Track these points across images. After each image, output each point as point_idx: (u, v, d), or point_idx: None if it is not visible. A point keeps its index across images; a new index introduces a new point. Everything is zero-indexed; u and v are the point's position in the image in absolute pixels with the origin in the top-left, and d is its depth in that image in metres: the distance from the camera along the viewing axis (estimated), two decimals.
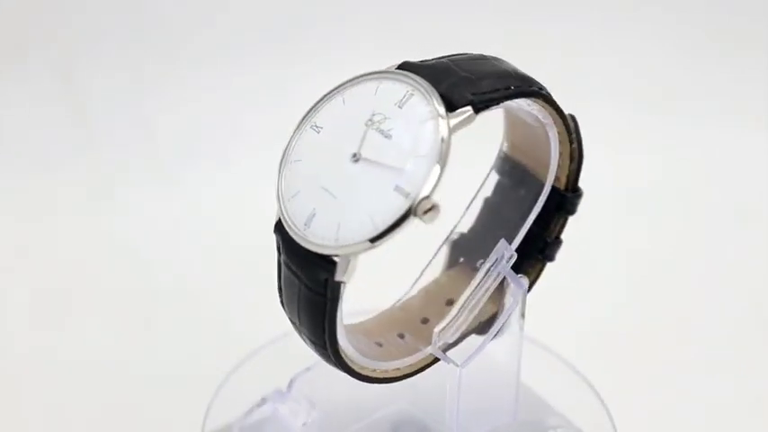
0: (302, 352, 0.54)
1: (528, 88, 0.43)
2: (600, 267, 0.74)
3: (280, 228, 0.43)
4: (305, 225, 0.41)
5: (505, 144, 0.50)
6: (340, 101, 0.43)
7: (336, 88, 0.43)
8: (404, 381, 0.50)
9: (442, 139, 0.40)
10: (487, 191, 0.50)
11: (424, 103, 0.41)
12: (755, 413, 0.65)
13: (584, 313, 0.70)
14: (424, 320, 0.50)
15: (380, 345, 0.49)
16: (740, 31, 0.91)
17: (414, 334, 0.49)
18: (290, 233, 0.42)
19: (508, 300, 0.48)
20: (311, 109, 0.43)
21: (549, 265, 0.52)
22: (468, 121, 0.41)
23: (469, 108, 0.41)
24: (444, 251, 0.51)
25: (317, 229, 0.41)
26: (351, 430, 0.54)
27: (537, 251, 0.50)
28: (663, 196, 0.80)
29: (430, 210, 0.39)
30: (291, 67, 0.87)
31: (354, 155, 0.41)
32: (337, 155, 0.42)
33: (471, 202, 0.50)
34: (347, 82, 0.43)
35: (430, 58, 0.44)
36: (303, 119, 0.43)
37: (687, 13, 0.91)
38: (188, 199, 0.79)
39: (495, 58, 0.45)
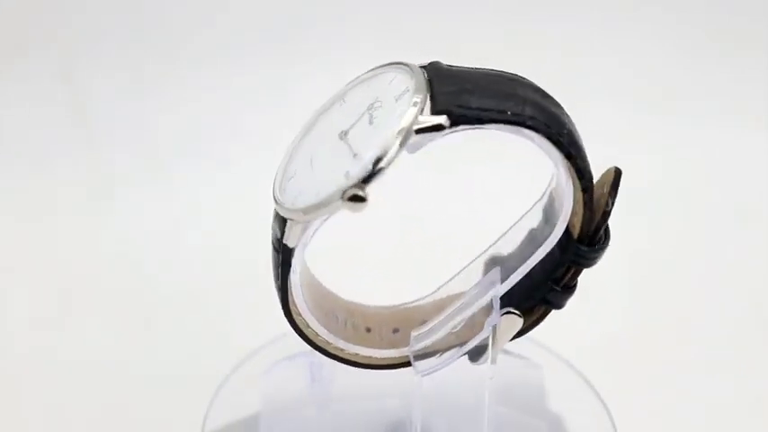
0: (299, 354, 0.54)
1: (523, 120, 0.42)
2: (600, 267, 0.74)
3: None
4: (281, 186, 0.43)
5: (554, 179, 0.49)
6: (367, 83, 0.44)
7: (378, 68, 0.44)
8: (403, 381, 0.50)
9: (397, 135, 0.40)
10: (534, 222, 0.49)
11: (410, 102, 0.41)
12: (755, 413, 0.65)
13: (584, 313, 0.70)
14: (423, 323, 0.50)
15: (369, 330, 0.50)
16: (740, 32, 0.91)
17: (406, 331, 0.50)
18: (273, 189, 0.43)
19: (486, 329, 0.48)
20: (354, 81, 0.44)
21: None
22: (437, 128, 0.40)
23: (444, 117, 0.41)
24: (479, 268, 0.51)
25: (287, 192, 0.42)
26: (351, 430, 0.54)
27: (540, 295, 0.49)
28: (663, 196, 0.80)
29: (353, 198, 0.39)
30: (291, 67, 0.87)
31: (343, 132, 0.42)
32: (333, 130, 0.43)
33: (511, 227, 0.50)
34: (387, 65, 0.44)
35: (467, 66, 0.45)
36: (345, 87, 0.44)
37: (687, 13, 0.91)
38: (188, 199, 0.79)
39: (524, 83, 0.45)
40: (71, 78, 0.88)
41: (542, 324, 0.51)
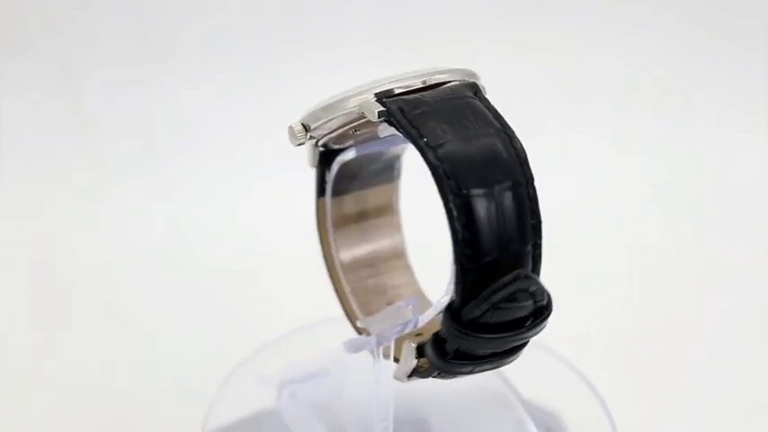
0: (302, 353, 0.54)
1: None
2: (600, 267, 0.74)
3: None
4: None
5: None
6: None
7: None
8: (404, 381, 0.50)
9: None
10: None
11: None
12: (755, 413, 0.65)
13: (584, 313, 0.70)
14: None
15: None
16: (740, 32, 0.91)
17: None
18: None
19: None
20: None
21: (549, 266, 0.52)
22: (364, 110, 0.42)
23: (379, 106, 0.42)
24: None
25: None
26: (350, 429, 0.54)
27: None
28: (663, 196, 0.80)
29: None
30: (290, 63, 0.87)
31: None
32: None
33: None
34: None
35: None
36: None
37: (688, 13, 0.91)
38: (187, 199, 0.79)
39: (466, 99, 0.43)
40: (69, 74, 0.88)
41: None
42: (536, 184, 0.41)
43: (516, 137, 0.41)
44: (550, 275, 0.63)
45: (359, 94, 0.43)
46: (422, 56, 0.77)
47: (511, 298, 0.40)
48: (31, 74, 0.87)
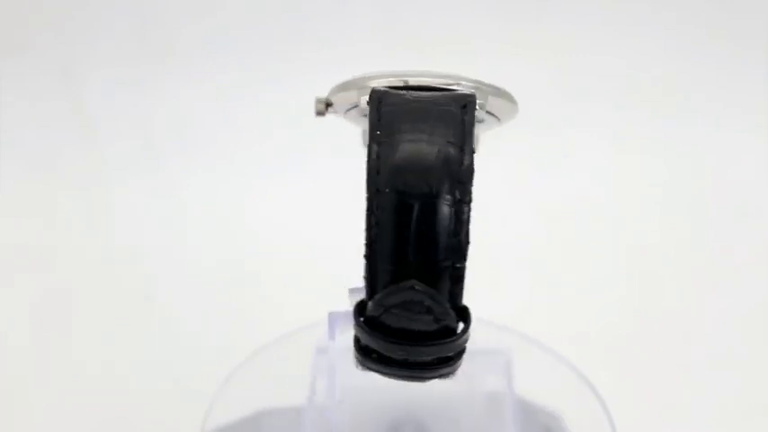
0: (301, 353, 0.54)
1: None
2: (599, 267, 0.74)
3: None
4: None
5: None
6: None
7: None
8: (403, 381, 0.50)
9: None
10: None
11: None
12: (756, 413, 0.65)
13: (584, 313, 0.70)
14: None
15: None
16: (741, 32, 0.91)
17: None
18: None
19: None
20: None
21: (549, 266, 0.52)
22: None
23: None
24: None
25: None
26: (351, 429, 0.54)
27: None
28: (663, 196, 0.80)
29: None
30: (290, 63, 0.87)
31: None
32: None
33: None
34: None
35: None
36: None
37: (688, 14, 0.91)
38: (187, 200, 0.79)
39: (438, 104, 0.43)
40: (69, 74, 0.88)
41: (542, 323, 0.51)
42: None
43: (470, 155, 0.40)
44: (550, 275, 0.63)
45: (372, 78, 0.43)
46: (422, 56, 0.77)
47: (403, 306, 0.40)
48: (31, 74, 0.87)
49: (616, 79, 0.88)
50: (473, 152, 0.40)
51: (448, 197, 0.39)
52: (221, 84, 0.87)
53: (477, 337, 0.51)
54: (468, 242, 0.40)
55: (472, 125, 0.41)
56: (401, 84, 0.43)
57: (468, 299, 0.54)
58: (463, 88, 0.43)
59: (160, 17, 0.90)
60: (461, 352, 0.42)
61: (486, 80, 0.44)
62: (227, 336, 0.67)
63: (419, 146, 0.40)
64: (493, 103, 0.44)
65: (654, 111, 0.87)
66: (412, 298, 0.40)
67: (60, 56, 0.88)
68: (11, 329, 0.70)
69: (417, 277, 0.40)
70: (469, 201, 0.40)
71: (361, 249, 0.48)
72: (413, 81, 0.43)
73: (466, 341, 0.41)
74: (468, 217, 0.40)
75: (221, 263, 0.74)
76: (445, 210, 0.39)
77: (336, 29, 0.89)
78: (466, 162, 0.40)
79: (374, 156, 0.40)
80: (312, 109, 0.47)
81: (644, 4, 0.92)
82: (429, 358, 0.42)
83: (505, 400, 0.54)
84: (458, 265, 0.40)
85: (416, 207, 0.39)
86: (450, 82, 0.43)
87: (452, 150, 0.40)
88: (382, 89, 0.43)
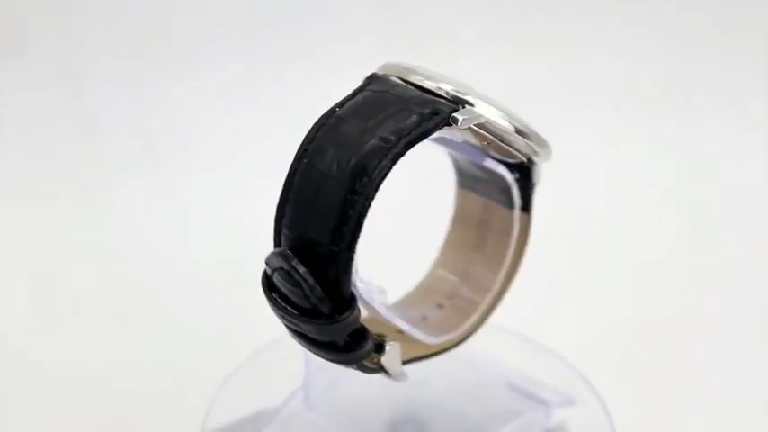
0: (300, 354, 0.54)
1: None
2: (599, 267, 0.74)
3: None
4: None
5: None
6: None
7: None
8: (404, 381, 0.50)
9: None
10: None
11: None
12: (756, 413, 0.65)
13: (584, 313, 0.70)
14: (450, 295, 0.52)
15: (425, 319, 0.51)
16: (741, 31, 0.91)
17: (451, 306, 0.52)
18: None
19: None
20: None
21: (550, 265, 0.52)
22: None
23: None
24: None
25: None
26: (351, 429, 0.54)
27: None
28: (663, 196, 0.80)
29: None
30: (290, 63, 0.87)
31: None
32: None
33: None
34: None
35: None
36: None
37: (688, 14, 0.91)
38: (187, 200, 0.79)
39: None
40: (70, 74, 0.88)
41: (542, 324, 0.51)
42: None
43: (393, 160, 0.40)
44: (550, 275, 0.63)
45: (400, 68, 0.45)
46: (422, 56, 0.77)
47: (281, 272, 0.41)
48: (31, 74, 0.87)
49: (616, 79, 0.88)
50: (398, 157, 0.40)
51: (347, 184, 0.40)
52: (221, 84, 0.87)
53: (478, 339, 0.51)
54: (357, 234, 0.40)
55: (422, 133, 0.41)
56: (402, 76, 0.43)
57: None
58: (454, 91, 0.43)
59: (160, 18, 0.90)
60: (356, 345, 0.43)
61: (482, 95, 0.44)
62: (227, 336, 0.67)
63: (353, 130, 0.41)
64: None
65: (654, 111, 0.87)
66: (282, 266, 0.41)
67: (60, 56, 0.88)
68: (11, 329, 0.70)
69: (300, 250, 0.41)
70: (368, 197, 0.40)
71: (362, 251, 0.49)
72: (415, 79, 0.43)
73: (344, 330, 0.42)
74: (363, 211, 0.40)
75: (221, 263, 0.74)
76: (339, 194, 0.40)
77: (336, 29, 0.89)
78: (384, 163, 0.40)
79: (316, 126, 0.41)
80: (314, 108, 0.47)
81: (644, 4, 0.92)
82: (314, 336, 0.42)
83: (505, 400, 0.54)
84: (340, 252, 0.40)
85: (314, 182, 0.41)
86: (433, 86, 0.43)
87: (381, 146, 0.40)
88: (381, 74, 0.44)
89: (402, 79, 0.44)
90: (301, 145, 0.42)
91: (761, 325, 0.70)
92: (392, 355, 0.45)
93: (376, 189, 0.40)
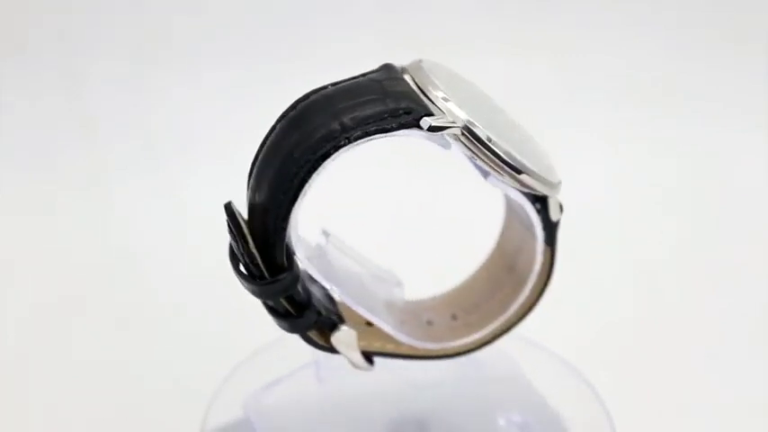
0: (300, 353, 0.54)
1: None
2: (599, 267, 0.74)
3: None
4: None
5: None
6: None
7: None
8: (404, 381, 0.50)
9: None
10: None
11: None
12: (756, 413, 0.65)
13: (584, 313, 0.70)
14: (475, 305, 0.51)
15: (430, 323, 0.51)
16: (741, 32, 0.91)
17: (464, 318, 0.52)
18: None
19: None
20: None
21: None
22: None
23: None
24: None
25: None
26: (351, 429, 0.54)
27: None
28: (663, 196, 0.80)
29: None
30: (290, 62, 0.87)
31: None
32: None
33: None
34: None
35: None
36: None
37: (688, 14, 0.91)
38: (187, 200, 0.79)
39: None
40: (70, 74, 0.88)
41: (542, 324, 0.51)
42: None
43: (352, 140, 0.41)
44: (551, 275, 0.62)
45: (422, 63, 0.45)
46: (422, 56, 0.77)
47: (229, 229, 0.44)
48: (31, 74, 0.87)
49: (616, 79, 0.88)
50: (347, 143, 0.41)
51: (297, 158, 0.42)
52: (221, 84, 0.87)
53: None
54: (290, 207, 0.42)
55: (384, 128, 0.41)
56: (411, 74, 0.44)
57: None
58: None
59: (160, 18, 0.90)
60: (296, 314, 0.45)
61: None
62: (227, 336, 0.67)
63: (329, 109, 0.42)
64: None
65: (654, 111, 0.87)
66: (226, 219, 0.44)
67: (60, 56, 0.88)
68: (11, 329, 0.70)
69: (251, 211, 0.44)
70: (308, 173, 0.42)
71: (361, 253, 0.49)
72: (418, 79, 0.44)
73: (276, 293, 0.44)
74: (300, 185, 0.42)
75: (221, 263, 0.74)
76: (287, 165, 0.42)
77: (336, 29, 0.89)
78: (331, 144, 0.41)
79: (307, 94, 0.43)
80: None
81: (644, 4, 0.92)
82: (260, 299, 0.45)
83: (505, 401, 0.54)
84: (277, 219, 0.42)
85: (277, 148, 0.43)
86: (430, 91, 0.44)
87: (337, 130, 0.41)
88: (391, 65, 0.44)
89: (410, 76, 0.44)
90: (289, 107, 0.43)
91: (761, 325, 0.70)
92: (344, 338, 0.47)
93: (314, 168, 0.42)
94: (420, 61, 0.44)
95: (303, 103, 0.43)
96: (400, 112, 0.42)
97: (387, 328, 0.49)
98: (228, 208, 0.44)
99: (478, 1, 0.92)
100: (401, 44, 0.86)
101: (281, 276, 0.43)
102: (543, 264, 0.49)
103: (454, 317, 0.51)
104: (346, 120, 0.41)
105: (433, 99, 0.42)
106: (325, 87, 0.43)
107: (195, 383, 0.60)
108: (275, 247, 0.43)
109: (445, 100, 0.42)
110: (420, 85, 0.43)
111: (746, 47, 0.90)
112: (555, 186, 0.45)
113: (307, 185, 0.42)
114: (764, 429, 0.64)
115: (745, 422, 0.64)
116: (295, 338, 0.50)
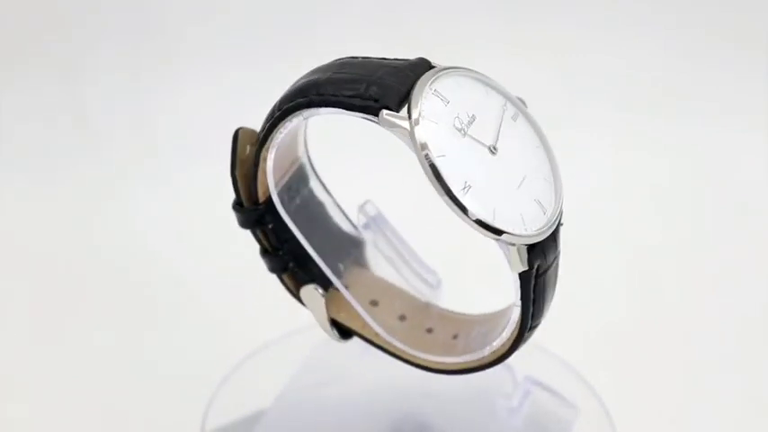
0: (300, 354, 0.54)
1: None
2: (599, 267, 0.74)
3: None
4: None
5: None
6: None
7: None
8: (405, 381, 0.50)
9: None
10: None
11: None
12: (756, 413, 0.65)
13: (584, 313, 0.70)
14: (483, 334, 0.50)
15: (430, 331, 0.51)
16: (741, 32, 0.91)
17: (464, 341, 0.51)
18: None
19: None
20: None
21: None
22: None
23: None
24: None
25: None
26: (351, 429, 0.54)
27: None
28: (663, 196, 0.80)
29: None
30: (291, 64, 0.87)
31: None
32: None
33: None
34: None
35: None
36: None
37: (688, 14, 0.91)
38: (188, 199, 0.79)
39: None
40: (70, 75, 0.87)
41: (542, 324, 0.51)
42: None
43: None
44: None
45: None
46: (422, 56, 0.77)
47: None
48: (31, 74, 0.87)
49: (616, 79, 0.88)
50: (321, 103, 0.44)
51: (282, 97, 0.47)
52: (221, 84, 0.87)
53: None
54: (262, 144, 0.47)
55: (340, 102, 0.43)
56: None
57: (468, 298, 0.54)
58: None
59: (162, 19, 0.90)
60: (272, 252, 0.51)
61: None
62: (228, 335, 0.67)
63: (325, 74, 0.46)
64: None
65: (654, 111, 0.86)
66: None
67: (61, 57, 0.88)
68: (11, 329, 0.70)
69: None
70: (278, 117, 0.46)
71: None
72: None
73: (240, 221, 0.51)
74: (270, 128, 0.46)
75: (221, 263, 0.74)
76: (275, 105, 0.47)
77: (337, 30, 0.89)
78: (310, 100, 0.44)
79: (338, 60, 0.47)
80: None
81: (644, 4, 0.91)
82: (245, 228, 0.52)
83: (505, 401, 0.54)
84: (258, 156, 0.47)
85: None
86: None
87: (305, 94, 0.45)
88: (430, 63, 0.45)
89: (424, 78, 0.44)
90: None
91: (761, 325, 0.70)
92: (312, 296, 0.51)
93: (281, 117, 0.46)
94: (445, 70, 0.44)
95: (340, 60, 0.46)
96: (369, 97, 0.43)
97: (357, 307, 0.50)
98: (236, 133, 0.49)
99: (478, 1, 0.92)
100: (401, 44, 0.86)
101: (251, 207, 0.49)
102: (517, 322, 0.47)
103: (455, 336, 0.51)
104: (322, 89, 0.44)
105: (411, 104, 0.42)
106: (368, 58, 0.46)
107: (195, 383, 0.60)
108: (255, 179, 0.48)
109: (412, 107, 0.42)
110: (417, 88, 0.43)
111: (747, 47, 0.90)
112: (499, 234, 0.42)
113: (275, 131, 0.46)
114: (765, 429, 0.64)
115: (745, 422, 0.64)
116: (295, 338, 0.50)
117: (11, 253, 0.76)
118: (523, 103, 0.46)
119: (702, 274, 0.74)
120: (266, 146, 0.47)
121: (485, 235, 0.42)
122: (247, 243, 0.53)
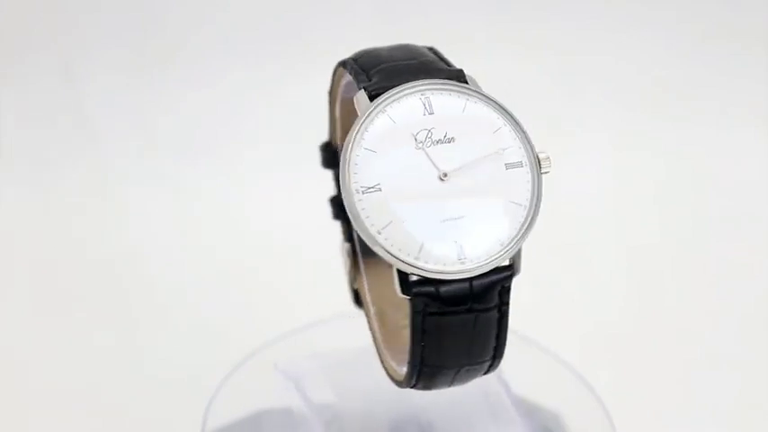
0: (300, 353, 0.54)
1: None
2: (599, 267, 0.74)
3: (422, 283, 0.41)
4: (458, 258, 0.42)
5: None
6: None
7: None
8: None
9: None
10: None
11: None
12: (756, 413, 0.65)
13: (583, 313, 0.70)
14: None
15: None
16: (741, 32, 0.91)
17: None
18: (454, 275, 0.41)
19: None
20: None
21: (549, 265, 0.52)
22: None
23: None
24: None
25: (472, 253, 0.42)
26: (351, 429, 0.54)
27: None
28: (663, 196, 0.80)
29: None
30: (293, 65, 0.87)
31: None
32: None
33: None
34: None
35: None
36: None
37: (688, 14, 0.91)
38: (187, 199, 0.79)
39: None
40: (70, 75, 0.88)
41: (542, 324, 0.51)
42: None
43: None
44: (549, 275, 0.63)
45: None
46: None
47: None
48: (31, 74, 0.87)
49: (616, 79, 0.88)
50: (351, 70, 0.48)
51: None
52: (221, 84, 0.87)
53: None
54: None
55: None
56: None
57: None
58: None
59: (162, 18, 0.90)
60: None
61: None
62: (228, 335, 0.67)
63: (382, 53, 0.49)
64: None
65: (654, 111, 0.86)
66: None
67: (61, 57, 0.88)
68: (10, 329, 0.70)
69: None
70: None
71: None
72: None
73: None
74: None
75: (221, 263, 0.74)
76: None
77: (337, 30, 0.89)
78: (345, 66, 0.49)
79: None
80: (314, 108, 0.49)
81: (644, 4, 0.92)
82: None
83: (506, 401, 0.54)
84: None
85: None
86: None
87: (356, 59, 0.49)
88: (458, 71, 0.48)
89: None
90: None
91: (761, 325, 0.70)
92: (344, 251, 0.54)
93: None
94: (454, 81, 0.46)
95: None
96: (365, 76, 0.47)
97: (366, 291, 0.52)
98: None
99: (479, 1, 0.92)
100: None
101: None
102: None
103: None
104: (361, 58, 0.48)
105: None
106: (431, 48, 0.50)
107: (195, 383, 0.61)
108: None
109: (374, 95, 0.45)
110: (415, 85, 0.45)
111: (747, 47, 0.90)
112: (398, 262, 0.41)
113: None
114: (765, 429, 0.64)
115: (745, 422, 0.64)
116: (295, 338, 0.50)
117: (10, 253, 0.76)
118: None
119: (702, 274, 0.74)
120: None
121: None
122: (248, 243, 0.53)
